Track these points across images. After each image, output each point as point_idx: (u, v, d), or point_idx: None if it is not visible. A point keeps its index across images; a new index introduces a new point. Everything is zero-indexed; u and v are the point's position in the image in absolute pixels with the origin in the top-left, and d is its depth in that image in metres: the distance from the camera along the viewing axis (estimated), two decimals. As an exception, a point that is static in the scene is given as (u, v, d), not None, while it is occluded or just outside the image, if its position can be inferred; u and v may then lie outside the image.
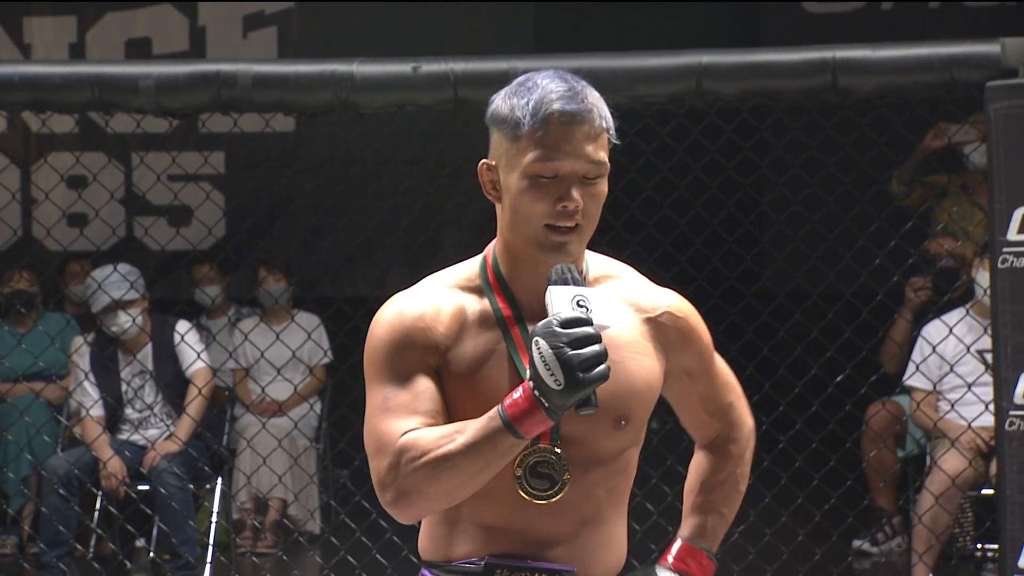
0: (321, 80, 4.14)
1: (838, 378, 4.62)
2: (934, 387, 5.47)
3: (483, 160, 2.17)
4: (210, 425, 6.11)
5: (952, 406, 5.08)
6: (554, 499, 2.10)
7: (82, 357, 5.94)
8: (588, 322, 1.99)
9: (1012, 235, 3.74)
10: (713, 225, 4.68)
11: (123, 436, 5.95)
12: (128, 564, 5.36)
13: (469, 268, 2.18)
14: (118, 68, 4.32)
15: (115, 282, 5.71)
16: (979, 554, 5.77)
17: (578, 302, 2.01)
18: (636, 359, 2.14)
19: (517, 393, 2.01)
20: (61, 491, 5.59)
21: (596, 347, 1.97)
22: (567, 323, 1.98)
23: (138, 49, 7.84)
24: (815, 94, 4.08)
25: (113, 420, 5.95)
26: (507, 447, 2.03)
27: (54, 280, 6.88)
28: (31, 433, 6.07)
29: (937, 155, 6.22)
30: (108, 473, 5.72)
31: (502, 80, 4.27)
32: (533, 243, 2.10)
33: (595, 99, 2.13)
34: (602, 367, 1.97)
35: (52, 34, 7.88)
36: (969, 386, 5.07)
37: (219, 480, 5.99)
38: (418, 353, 2.11)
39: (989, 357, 4.75)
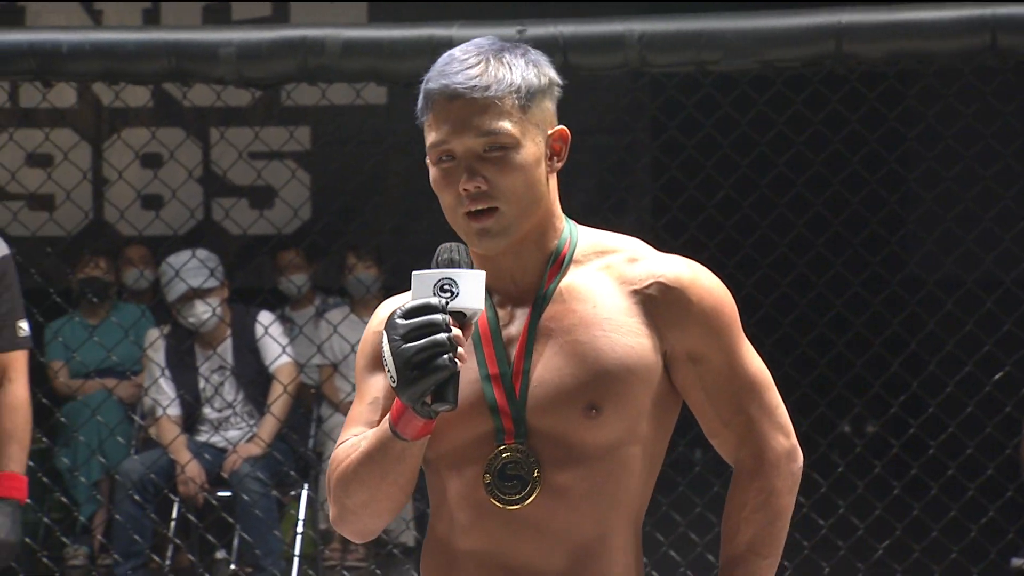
0: (418, 46, 4.12)
1: (996, 376, 4.54)
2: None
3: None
4: (295, 426, 6.13)
5: None
6: (527, 502, 2.05)
7: (157, 352, 5.96)
8: (436, 309, 1.95)
9: None
10: (854, 204, 4.64)
11: (202, 438, 5.99)
12: (207, 577, 5.40)
13: None
14: (196, 35, 4.33)
15: (193, 269, 5.75)
16: None
17: (442, 286, 1.98)
18: (610, 337, 2.05)
19: None
20: (135, 497, 5.64)
21: (435, 336, 1.93)
22: (408, 313, 1.96)
23: (216, 15, 7.87)
24: (971, 56, 4.00)
25: (191, 420, 5.98)
26: (398, 451, 2.04)
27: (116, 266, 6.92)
28: (103, 434, 6.11)
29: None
30: (186, 478, 5.76)
31: (615, 44, 4.30)
32: (463, 234, 2.08)
33: (494, 64, 2.06)
34: (441, 359, 1.93)
35: None
36: None
37: (305, 486, 6.01)
38: (377, 360, 2.13)
39: None
